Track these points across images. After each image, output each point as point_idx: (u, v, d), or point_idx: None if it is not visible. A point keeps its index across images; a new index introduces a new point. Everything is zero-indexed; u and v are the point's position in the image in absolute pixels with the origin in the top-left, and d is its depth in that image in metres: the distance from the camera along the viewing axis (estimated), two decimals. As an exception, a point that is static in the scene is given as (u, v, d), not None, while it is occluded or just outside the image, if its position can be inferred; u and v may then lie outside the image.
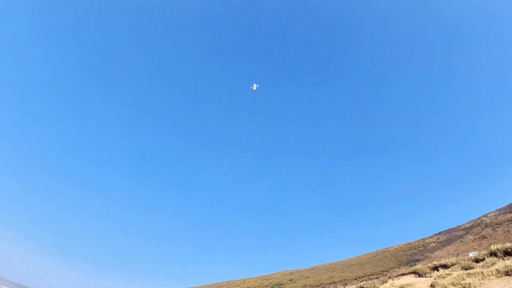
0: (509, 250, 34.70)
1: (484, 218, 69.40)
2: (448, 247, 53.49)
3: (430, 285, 33.70)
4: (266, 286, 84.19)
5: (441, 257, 45.64)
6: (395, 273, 44.09)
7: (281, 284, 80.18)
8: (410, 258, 55.89)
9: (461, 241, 54.72)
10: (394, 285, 38.49)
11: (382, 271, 52.49)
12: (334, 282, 58.19)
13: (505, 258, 34.06)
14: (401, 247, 69.65)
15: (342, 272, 67.00)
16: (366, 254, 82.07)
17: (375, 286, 41.03)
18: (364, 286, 42.53)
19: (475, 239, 58.23)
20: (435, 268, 38.49)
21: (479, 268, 32.72)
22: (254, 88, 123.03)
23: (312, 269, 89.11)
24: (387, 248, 76.12)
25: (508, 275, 27.68)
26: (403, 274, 41.70)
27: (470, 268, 34.77)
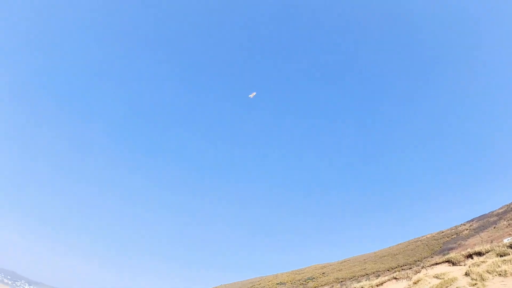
0: (545, 235, 34.34)
1: (518, 203, 67.39)
2: (482, 234, 52.55)
3: (464, 273, 33.75)
4: (299, 280, 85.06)
5: (474, 245, 45.14)
6: (428, 263, 44.08)
7: (314, 278, 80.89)
8: (443, 247, 55.34)
9: (494, 227, 53.67)
10: (427, 274, 38.64)
11: (415, 261, 52.31)
12: (367, 274, 58.42)
13: (541, 243, 33.73)
14: (434, 236, 68.80)
15: (374, 264, 67.00)
16: (398, 245, 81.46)
17: (408, 276, 41.25)
18: (397, 277, 42.80)
19: (509, 224, 56.87)
20: (469, 256, 38.32)
21: (514, 255, 32.56)
22: (252, 97, 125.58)
23: (344, 261, 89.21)
24: (419, 238, 75.31)
25: (544, 260, 27.62)
26: (436, 263, 41.67)
27: (505, 254, 34.54)
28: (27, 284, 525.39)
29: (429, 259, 48.80)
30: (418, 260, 51.53)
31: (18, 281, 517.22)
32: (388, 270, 54.13)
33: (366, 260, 77.59)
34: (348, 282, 57.50)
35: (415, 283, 37.83)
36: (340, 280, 63.64)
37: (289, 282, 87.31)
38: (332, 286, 60.75)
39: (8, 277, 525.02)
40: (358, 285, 46.73)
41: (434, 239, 64.78)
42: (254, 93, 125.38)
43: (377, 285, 43.16)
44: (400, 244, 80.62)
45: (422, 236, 75.27)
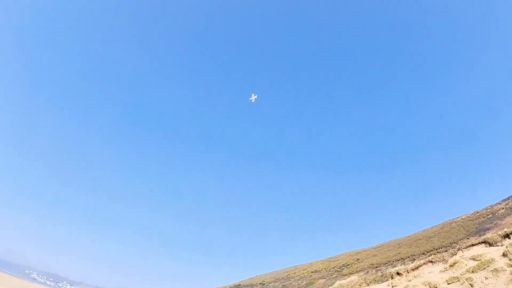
0: None
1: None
2: (519, 212, 51.36)
3: (502, 254, 33.59)
4: (333, 267, 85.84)
5: (511, 224, 44.33)
6: (464, 244, 43.81)
7: (348, 265, 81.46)
8: (478, 227, 54.41)
9: (532, 205, 52.25)
10: (464, 257, 38.55)
11: (451, 243, 51.85)
12: (402, 259, 58.46)
13: None
14: (469, 217, 67.50)
15: (409, 248, 66.77)
16: (432, 227, 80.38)
17: (444, 259, 41.23)
18: (433, 260, 42.82)
19: (548, 200, 55.14)
20: (506, 236, 37.91)
21: (552, 232, 32.18)
22: (253, 100, 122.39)
23: (378, 247, 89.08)
24: (454, 219, 73.97)
25: None
26: (472, 245, 41.41)
27: (543, 233, 34.09)
28: (68, 285, 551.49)
29: (465, 240, 48.32)
30: (454, 242, 51.06)
31: (60, 282, 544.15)
32: (423, 254, 54.01)
33: (401, 244, 77.27)
34: (383, 267, 57.84)
35: (451, 265, 37.88)
36: (375, 266, 63.96)
37: (324, 269, 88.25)
38: (367, 272, 61.23)
39: (51, 279, 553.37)
40: (393, 270, 47.04)
41: (470, 220, 63.61)
42: (255, 96, 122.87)
43: (413, 269, 43.39)
44: (435, 226, 79.53)
45: (457, 217, 73.88)
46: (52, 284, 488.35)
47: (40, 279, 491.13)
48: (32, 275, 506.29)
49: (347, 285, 49.50)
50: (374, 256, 77.15)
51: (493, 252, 35.39)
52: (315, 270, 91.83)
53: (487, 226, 52.01)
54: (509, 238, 37.14)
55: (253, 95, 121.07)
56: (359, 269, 68.96)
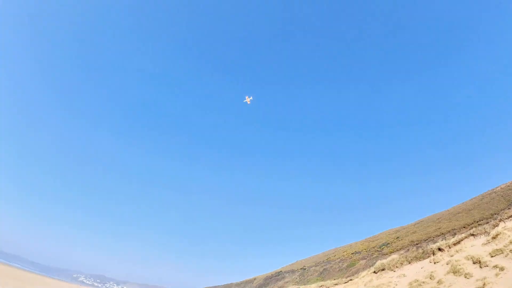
0: None
1: None
2: (562, 177, 49.60)
3: (545, 222, 33.35)
4: (373, 247, 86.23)
5: (554, 190, 43.26)
6: (505, 215, 43.42)
7: (388, 244, 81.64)
8: (520, 196, 53.31)
9: None
10: (506, 227, 38.38)
11: (492, 214, 51.12)
12: (442, 234, 58.19)
13: None
14: (509, 186, 65.59)
15: (449, 222, 66.11)
16: (472, 199, 78.67)
17: (486, 231, 41.10)
18: (474, 233, 42.77)
19: None
20: (549, 203, 37.41)
21: None
22: (248, 102, 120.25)
23: (418, 223, 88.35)
24: (494, 189, 72.01)
25: None
26: (514, 215, 41.07)
27: None
28: (115, 285, 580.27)
29: (506, 211, 47.57)
30: (495, 213, 50.29)
31: (107, 283, 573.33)
32: (464, 227, 53.58)
33: (440, 218, 76.38)
34: (424, 244, 57.90)
35: (494, 238, 37.82)
36: (415, 243, 64.00)
37: (364, 250, 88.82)
38: (408, 249, 61.47)
39: (98, 280, 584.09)
40: (434, 245, 47.22)
41: (510, 189, 61.95)
42: (251, 98, 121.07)
43: (454, 244, 43.50)
44: (474, 198, 77.77)
45: (497, 187, 71.78)
46: (99, 285, 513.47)
47: (87, 282, 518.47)
48: (80, 279, 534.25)
49: (389, 264, 50.27)
50: (413, 233, 76.86)
51: (536, 221, 35.13)
52: (355, 251, 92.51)
53: (529, 194, 50.85)
54: (552, 205, 36.61)
55: (247, 97, 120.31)
56: (399, 247, 69.21)
